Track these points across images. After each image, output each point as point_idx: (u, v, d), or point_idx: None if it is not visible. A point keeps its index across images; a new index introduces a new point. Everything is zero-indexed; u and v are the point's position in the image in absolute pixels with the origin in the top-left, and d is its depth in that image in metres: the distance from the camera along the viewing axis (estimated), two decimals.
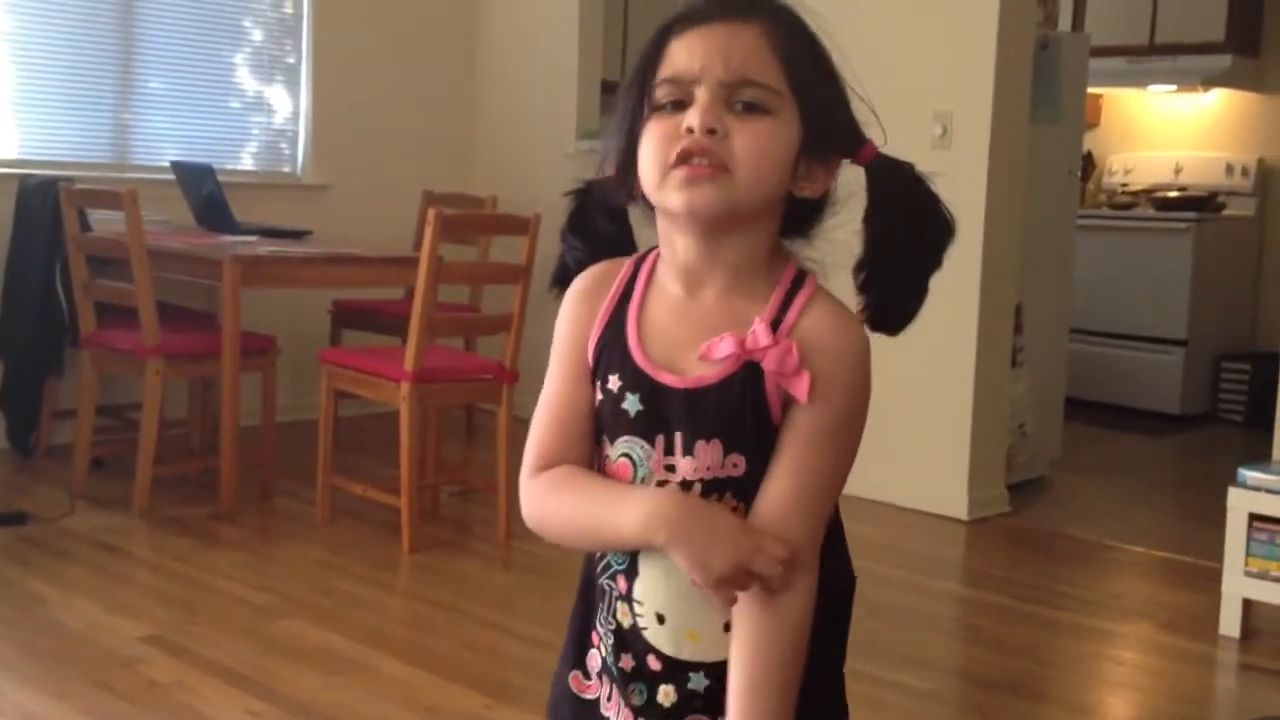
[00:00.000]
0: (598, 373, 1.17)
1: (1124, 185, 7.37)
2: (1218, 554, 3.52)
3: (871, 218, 1.15)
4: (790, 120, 1.10)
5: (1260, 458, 3.68)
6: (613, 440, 1.16)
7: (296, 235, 4.80)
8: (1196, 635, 3.49)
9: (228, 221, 4.68)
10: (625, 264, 1.19)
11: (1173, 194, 7.00)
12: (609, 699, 1.20)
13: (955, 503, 4.56)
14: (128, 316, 4.16)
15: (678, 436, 1.13)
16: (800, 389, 1.09)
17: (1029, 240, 4.85)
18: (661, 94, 1.10)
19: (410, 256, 4.34)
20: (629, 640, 1.17)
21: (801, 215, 1.16)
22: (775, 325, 1.11)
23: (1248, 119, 7.12)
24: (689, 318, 1.15)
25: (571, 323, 1.19)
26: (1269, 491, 3.39)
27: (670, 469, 1.14)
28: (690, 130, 1.07)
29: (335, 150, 5.77)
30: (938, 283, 1.16)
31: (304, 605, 3.41)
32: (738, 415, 1.11)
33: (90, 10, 5.07)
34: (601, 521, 1.12)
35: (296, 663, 3.00)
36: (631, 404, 1.14)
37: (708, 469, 1.12)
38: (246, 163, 5.63)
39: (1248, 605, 3.45)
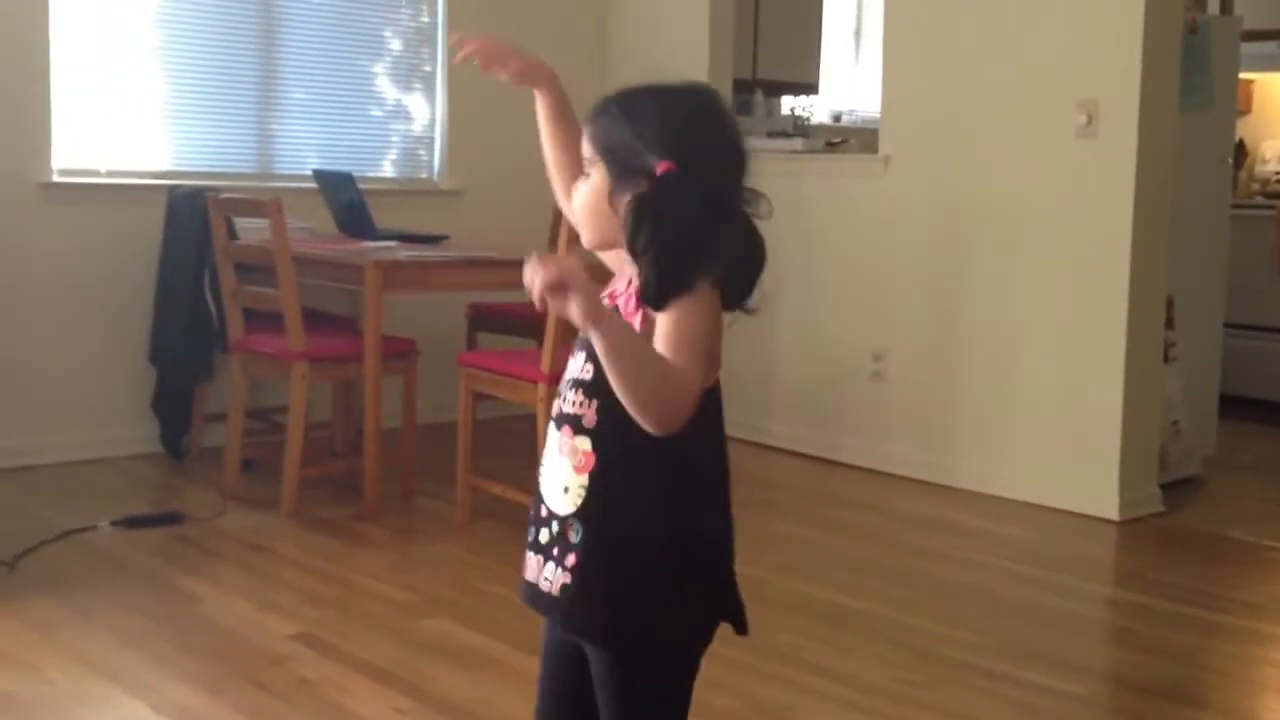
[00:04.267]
0: None
1: (1278, 174, 7.10)
2: None
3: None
4: (600, 174, 1.61)
5: None
6: None
7: (434, 240, 4.86)
8: None
9: (368, 228, 4.76)
10: None
11: None
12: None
13: (1107, 503, 4.42)
14: (274, 322, 4.26)
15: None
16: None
17: (1180, 232, 4.68)
18: None
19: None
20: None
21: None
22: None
23: None
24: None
25: None
26: None
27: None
28: None
29: (470, 156, 5.83)
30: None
31: (447, 604, 3.44)
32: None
33: (235, 24, 5.20)
34: None
35: (441, 661, 3.03)
36: None
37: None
38: (386, 170, 5.73)
39: None
